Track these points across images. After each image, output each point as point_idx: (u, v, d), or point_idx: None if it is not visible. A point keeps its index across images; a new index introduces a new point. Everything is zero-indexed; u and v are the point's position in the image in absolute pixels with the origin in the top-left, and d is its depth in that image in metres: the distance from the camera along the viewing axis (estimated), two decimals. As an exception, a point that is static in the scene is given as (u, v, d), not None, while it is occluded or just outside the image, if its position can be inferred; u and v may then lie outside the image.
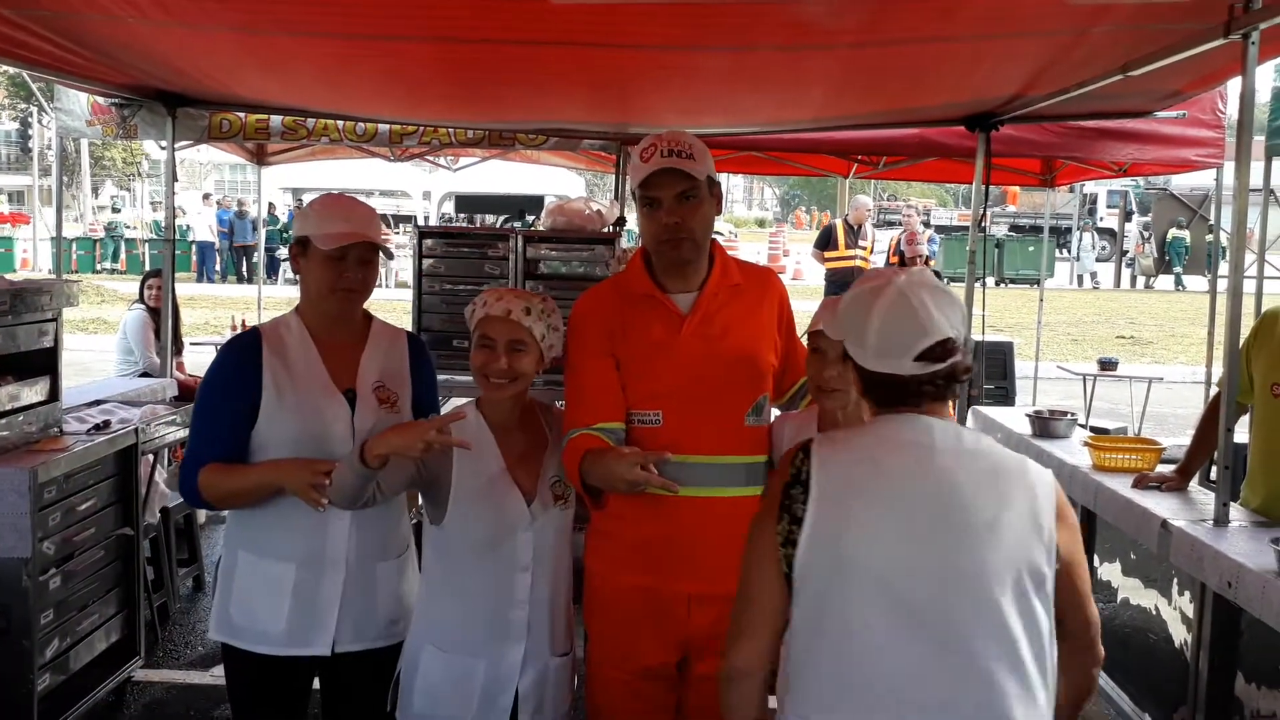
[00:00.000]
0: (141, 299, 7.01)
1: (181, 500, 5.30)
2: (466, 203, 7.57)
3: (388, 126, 7.01)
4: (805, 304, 2.42)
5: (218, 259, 24.46)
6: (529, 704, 2.46)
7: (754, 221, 48.17)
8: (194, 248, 23.92)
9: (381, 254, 2.57)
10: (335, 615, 2.55)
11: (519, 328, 2.43)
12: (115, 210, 27.32)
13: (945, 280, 1.96)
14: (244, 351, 2.53)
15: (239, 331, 8.94)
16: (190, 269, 23.93)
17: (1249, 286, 6.05)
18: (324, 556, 2.54)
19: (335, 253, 2.47)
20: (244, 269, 23.74)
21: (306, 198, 27.03)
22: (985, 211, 5.76)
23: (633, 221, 2.86)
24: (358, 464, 2.26)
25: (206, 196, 26.47)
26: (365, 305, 2.68)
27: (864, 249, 11.26)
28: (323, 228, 2.48)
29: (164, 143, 6.07)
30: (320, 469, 2.38)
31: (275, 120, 6.97)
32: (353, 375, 2.58)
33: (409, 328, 3.72)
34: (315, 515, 2.51)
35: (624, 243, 5.76)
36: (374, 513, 2.56)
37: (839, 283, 10.84)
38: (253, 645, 2.54)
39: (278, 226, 24.19)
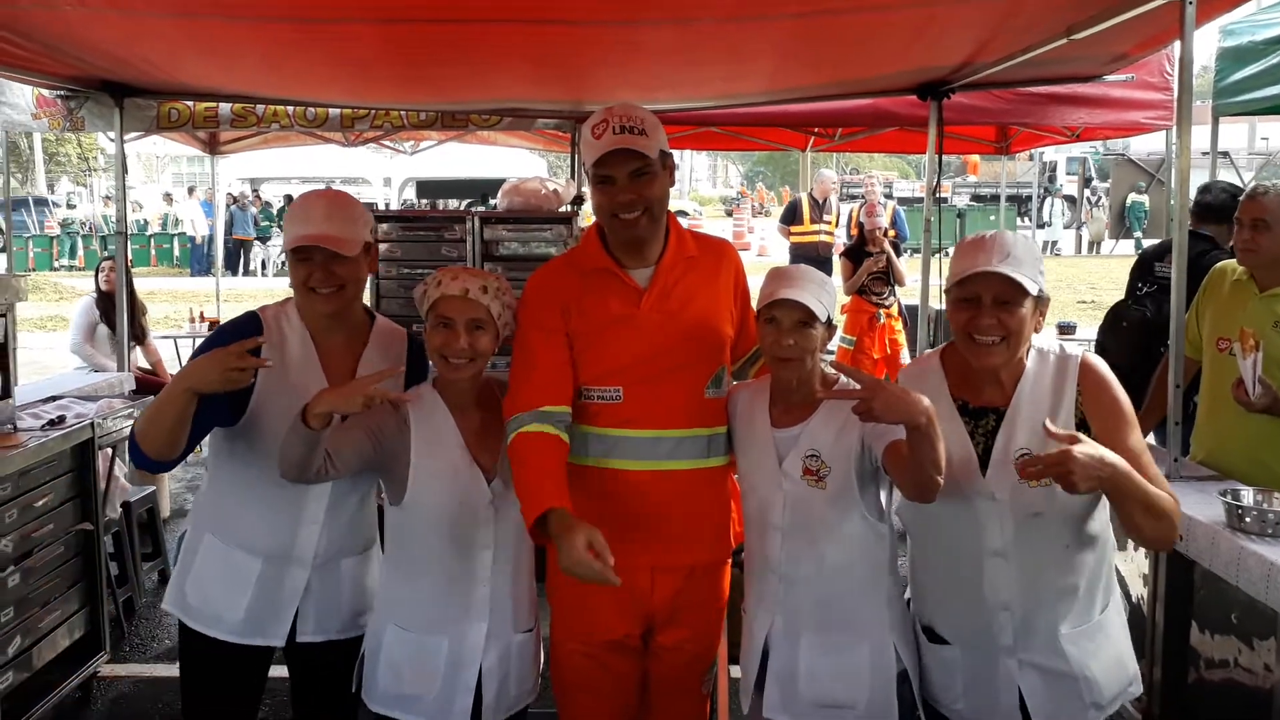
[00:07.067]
0: (96, 285, 7.03)
1: (144, 494, 5.28)
2: (428, 188, 7.52)
3: (338, 111, 6.95)
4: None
5: (211, 251, 24.14)
6: (492, 681, 2.45)
7: (719, 199, 48.11)
8: (175, 241, 23.53)
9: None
10: (294, 609, 2.54)
11: (478, 306, 2.40)
12: (70, 206, 26.90)
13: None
14: (241, 339, 2.37)
15: (200, 322, 8.93)
16: (149, 263, 23.60)
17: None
18: (291, 553, 2.52)
19: (295, 253, 2.42)
20: (240, 262, 23.36)
21: (265, 188, 26.73)
22: (939, 180, 5.78)
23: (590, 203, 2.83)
24: (301, 426, 2.20)
25: (191, 190, 26.10)
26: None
27: (829, 223, 11.23)
28: (287, 228, 2.45)
29: (112, 134, 5.99)
30: (233, 350, 2.27)
31: (224, 108, 6.90)
32: (349, 377, 2.48)
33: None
34: (288, 512, 2.48)
35: (582, 221, 5.74)
36: (344, 510, 2.56)
37: (804, 257, 10.82)
38: (205, 628, 2.53)
39: (247, 216, 23.83)
